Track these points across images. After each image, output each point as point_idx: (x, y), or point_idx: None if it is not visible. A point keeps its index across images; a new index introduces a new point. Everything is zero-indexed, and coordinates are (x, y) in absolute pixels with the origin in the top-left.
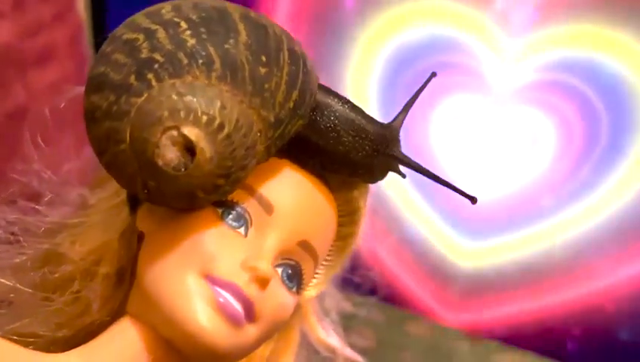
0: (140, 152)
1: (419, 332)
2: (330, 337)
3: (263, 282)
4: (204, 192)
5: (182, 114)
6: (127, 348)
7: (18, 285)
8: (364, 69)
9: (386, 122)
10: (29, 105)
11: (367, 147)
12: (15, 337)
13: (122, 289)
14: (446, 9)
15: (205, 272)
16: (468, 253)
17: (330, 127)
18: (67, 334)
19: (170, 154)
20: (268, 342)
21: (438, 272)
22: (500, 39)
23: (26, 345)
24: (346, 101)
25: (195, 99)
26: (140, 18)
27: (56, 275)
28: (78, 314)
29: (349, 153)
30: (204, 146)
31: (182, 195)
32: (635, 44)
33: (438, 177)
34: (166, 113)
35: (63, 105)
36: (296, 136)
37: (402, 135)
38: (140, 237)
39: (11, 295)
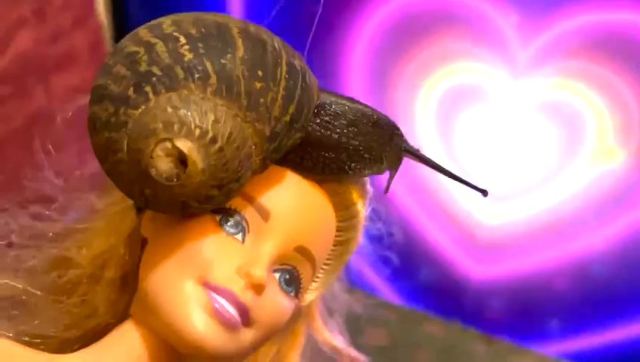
0: (136, 162)
1: (434, 332)
2: (335, 338)
3: (257, 288)
4: (198, 202)
5: (175, 127)
6: (129, 351)
7: (29, 288)
8: None
9: None
10: (50, 109)
11: (384, 134)
12: (26, 338)
13: (127, 292)
14: None
15: (202, 279)
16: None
17: (348, 122)
18: (76, 335)
19: (163, 166)
20: (272, 342)
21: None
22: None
23: (36, 345)
24: (352, 99)
25: (188, 113)
26: (142, 31)
27: (65, 279)
28: (85, 316)
29: (370, 142)
30: (197, 158)
31: (176, 204)
32: None
33: (447, 170)
34: (160, 126)
35: (70, 114)
36: (307, 141)
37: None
38: (144, 242)
39: (23, 297)
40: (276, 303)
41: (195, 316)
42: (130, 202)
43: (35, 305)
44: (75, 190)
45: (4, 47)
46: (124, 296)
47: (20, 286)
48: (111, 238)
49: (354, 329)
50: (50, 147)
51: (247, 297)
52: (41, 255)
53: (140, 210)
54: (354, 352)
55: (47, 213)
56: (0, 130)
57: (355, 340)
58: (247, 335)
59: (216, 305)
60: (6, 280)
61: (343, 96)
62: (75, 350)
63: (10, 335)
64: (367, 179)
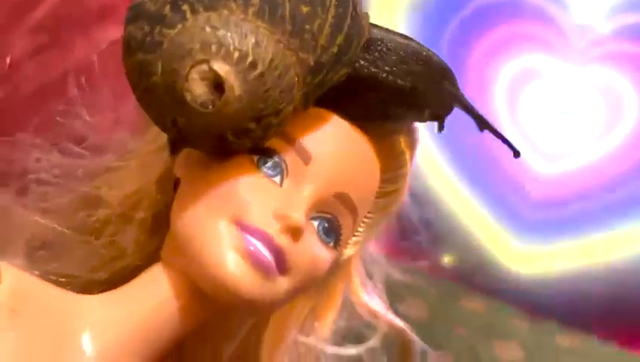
0: (170, 86)
1: (474, 308)
2: (373, 301)
3: (295, 232)
4: (234, 135)
5: (213, 48)
6: (157, 294)
7: (57, 226)
8: None
9: None
10: (90, 61)
11: (434, 76)
12: (52, 277)
13: (158, 235)
14: None
15: (236, 218)
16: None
17: (399, 59)
18: (103, 277)
19: (198, 89)
20: (307, 298)
21: None
22: None
23: (63, 285)
24: (405, 35)
25: (228, 34)
26: None
27: (94, 218)
28: (113, 257)
29: (417, 83)
30: (234, 83)
31: (211, 135)
32: None
33: (488, 124)
34: (197, 46)
35: (105, 46)
36: (352, 79)
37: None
38: (177, 183)
39: (51, 236)
40: (314, 252)
41: (228, 257)
42: (164, 141)
43: (62, 244)
44: (108, 129)
45: None
46: (154, 238)
47: (48, 224)
48: (143, 178)
49: (392, 297)
50: (84, 82)
51: (283, 241)
52: (70, 193)
53: (173, 150)
54: (393, 317)
55: (78, 150)
56: (38, 81)
57: (392, 309)
58: (282, 284)
59: (251, 248)
60: (35, 218)
61: (393, 32)
62: (101, 292)
63: (37, 273)
64: (417, 129)
